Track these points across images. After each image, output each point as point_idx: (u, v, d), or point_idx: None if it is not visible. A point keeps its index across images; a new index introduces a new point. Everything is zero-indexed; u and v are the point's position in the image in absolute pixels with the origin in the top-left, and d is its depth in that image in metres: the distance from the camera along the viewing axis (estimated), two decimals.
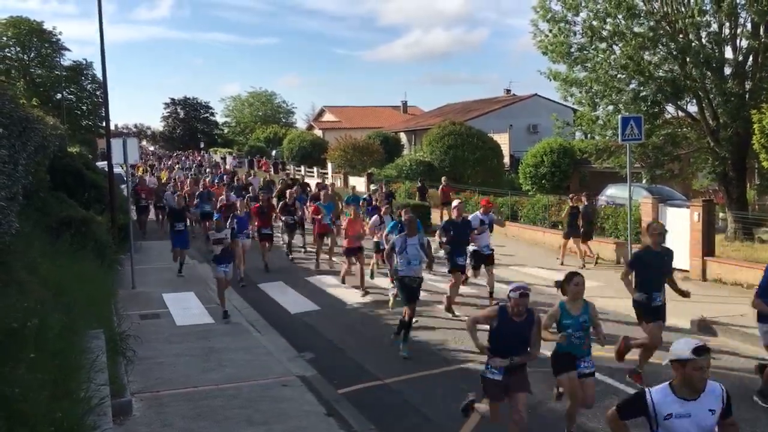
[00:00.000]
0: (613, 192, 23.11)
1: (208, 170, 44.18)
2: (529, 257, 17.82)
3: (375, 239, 15.29)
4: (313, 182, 32.71)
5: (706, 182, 23.86)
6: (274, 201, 20.47)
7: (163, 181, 31.10)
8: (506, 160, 39.37)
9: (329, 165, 41.43)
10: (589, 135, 22.80)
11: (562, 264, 16.45)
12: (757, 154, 16.57)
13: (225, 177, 31.93)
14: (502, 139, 39.54)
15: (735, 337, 10.51)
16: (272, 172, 49.21)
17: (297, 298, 13.86)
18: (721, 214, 19.37)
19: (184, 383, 8.58)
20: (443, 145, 35.33)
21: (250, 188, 23.16)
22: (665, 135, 19.48)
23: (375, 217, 15.66)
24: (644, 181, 21.66)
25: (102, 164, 26.57)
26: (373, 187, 25.36)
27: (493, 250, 12.82)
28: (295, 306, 13.33)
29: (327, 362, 9.77)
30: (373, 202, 19.26)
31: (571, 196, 18.33)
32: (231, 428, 7.21)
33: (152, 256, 19.21)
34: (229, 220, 14.21)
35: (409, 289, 10.14)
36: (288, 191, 19.49)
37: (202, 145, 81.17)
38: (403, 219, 11.96)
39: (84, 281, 10.33)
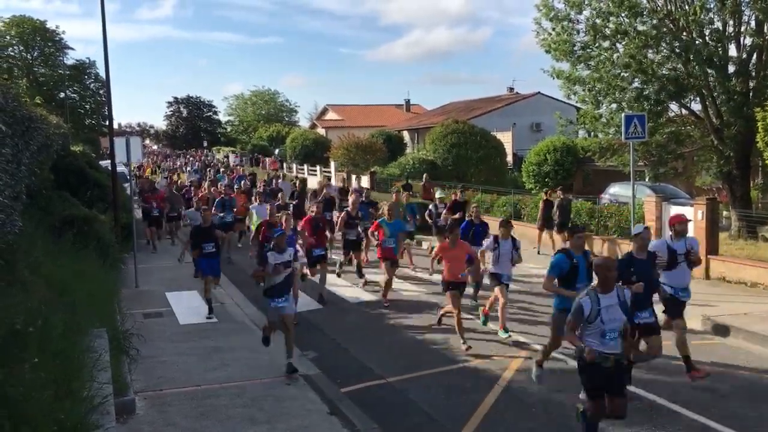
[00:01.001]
0: (617, 190, 23.07)
1: (221, 171, 39.01)
2: (533, 255, 17.79)
3: (491, 268, 11.08)
4: (313, 181, 32.71)
5: (709, 179, 23.80)
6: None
7: (177, 184, 28.48)
8: (509, 158, 39.34)
9: (332, 164, 41.42)
10: (592, 133, 22.79)
11: (539, 253, 17.80)
12: (761, 152, 16.53)
13: (244, 180, 28.16)
14: (505, 138, 39.50)
15: (738, 335, 10.48)
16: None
17: (300, 297, 13.84)
18: (724, 213, 19.33)
19: (187, 382, 8.59)
20: (446, 144, 35.30)
21: (280, 195, 18.70)
22: (669, 133, 19.45)
23: (489, 239, 11.31)
24: (647, 180, 21.62)
25: (105, 163, 26.61)
26: (439, 194, 18.65)
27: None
28: (298, 304, 13.33)
29: (330, 361, 9.76)
30: (470, 216, 14.24)
31: (545, 190, 20.80)
32: (234, 427, 7.22)
33: (155, 254, 19.25)
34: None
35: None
36: (350, 199, 16.41)
37: (205, 144, 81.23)
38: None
39: (87, 280, 10.35)
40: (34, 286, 8.06)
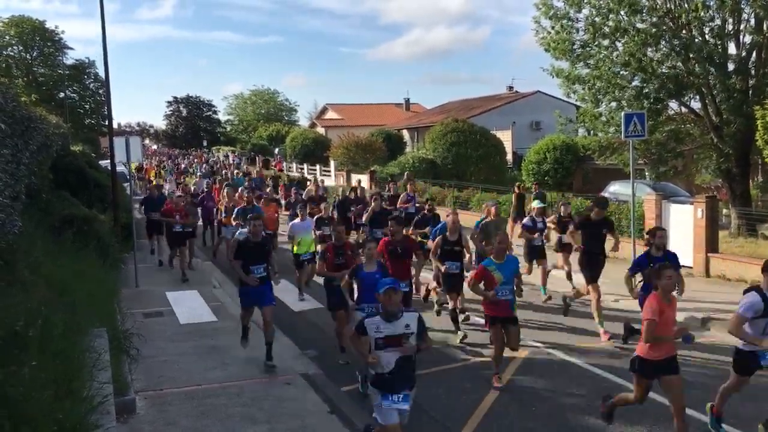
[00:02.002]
0: (616, 188, 23.09)
1: (237, 174, 34.12)
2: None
3: None
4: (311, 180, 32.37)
5: (709, 177, 23.80)
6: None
7: (191, 190, 23.59)
8: (509, 157, 39.33)
9: (332, 163, 41.42)
10: (591, 132, 22.78)
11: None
12: (761, 150, 16.53)
13: (261, 184, 25.11)
14: (505, 136, 39.49)
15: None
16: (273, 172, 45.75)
17: (297, 292, 13.87)
18: (724, 211, 19.33)
19: (188, 381, 8.59)
20: (446, 143, 35.30)
21: (323, 207, 15.54)
22: (668, 131, 19.44)
23: None
24: (648, 178, 21.62)
25: (105, 163, 26.48)
26: (537, 203, 14.11)
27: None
28: (298, 303, 13.35)
29: (330, 360, 9.77)
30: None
31: (517, 184, 21.62)
32: (234, 427, 7.22)
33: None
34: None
35: None
36: (450, 219, 11.26)
37: (204, 144, 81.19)
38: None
39: (87, 280, 10.35)
40: (34, 286, 8.05)
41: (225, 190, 18.90)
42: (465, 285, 10.35)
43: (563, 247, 13.32)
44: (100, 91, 54.34)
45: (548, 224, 13.60)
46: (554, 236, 13.94)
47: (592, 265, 10.73)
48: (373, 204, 15.48)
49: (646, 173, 21.63)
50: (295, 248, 13.35)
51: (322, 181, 27.54)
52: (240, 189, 20.00)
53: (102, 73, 22.81)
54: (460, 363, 9.53)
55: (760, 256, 14.25)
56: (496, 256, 8.55)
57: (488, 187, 25.67)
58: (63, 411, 4.82)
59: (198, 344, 10.33)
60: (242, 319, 9.80)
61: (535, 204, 13.89)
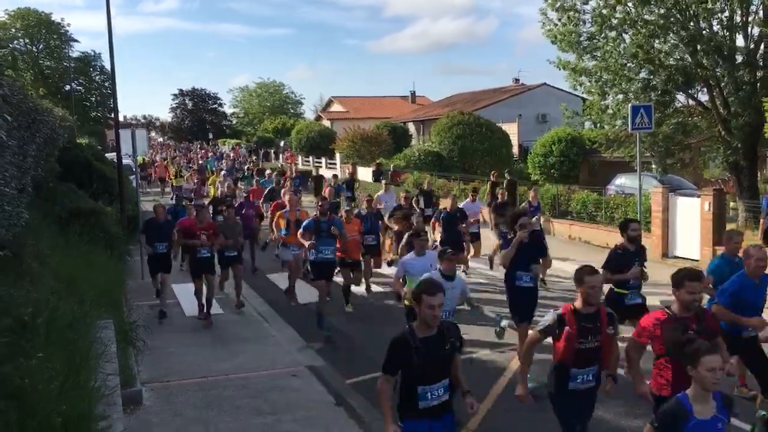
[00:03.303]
0: (623, 181, 23.02)
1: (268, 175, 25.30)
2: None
3: None
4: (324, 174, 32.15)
5: (717, 171, 23.72)
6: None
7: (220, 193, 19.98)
8: (515, 149, 39.22)
9: (337, 155, 41.39)
10: (598, 124, 22.71)
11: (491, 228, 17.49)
12: None
13: (300, 182, 21.51)
14: (511, 129, 39.37)
15: None
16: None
17: (305, 288, 13.85)
18: (732, 204, 19.25)
19: (194, 373, 8.62)
20: (452, 135, 35.20)
21: (414, 219, 12.86)
22: (676, 124, 19.36)
23: None
24: (654, 171, 21.55)
25: (111, 155, 26.50)
26: None
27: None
28: (303, 296, 13.35)
29: (335, 352, 9.78)
30: None
31: (492, 172, 22.44)
32: (240, 418, 7.24)
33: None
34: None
35: None
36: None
37: (210, 136, 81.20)
38: None
39: (94, 272, 10.37)
40: (41, 278, 8.08)
41: (287, 196, 13.87)
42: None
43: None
44: (106, 84, 54.40)
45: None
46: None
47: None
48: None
49: (653, 166, 21.55)
50: (407, 301, 8.18)
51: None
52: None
53: (108, 66, 22.74)
54: (466, 355, 9.51)
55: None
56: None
57: (511, 180, 25.57)
58: (70, 402, 4.84)
59: (204, 336, 10.37)
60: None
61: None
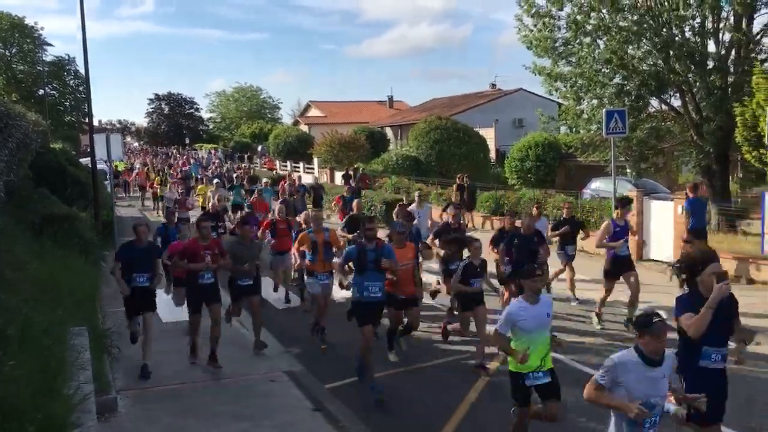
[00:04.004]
0: (598, 185, 23.27)
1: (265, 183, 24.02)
2: None
3: None
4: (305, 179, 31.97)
5: (690, 176, 24.05)
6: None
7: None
8: (492, 154, 39.46)
9: (315, 160, 41.33)
10: (574, 129, 22.96)
11: None
12: (740, 146, 16.72)
13: (303, 192, 20.41)
14: (488, 134, 39.60)
15: None
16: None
17: (283, 294, 13.81)
18: None
19: (171, 380, 8.55)
20: (429, 140, 35.33)
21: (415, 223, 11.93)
22: (649, 129, 19.61)
23: None
24: (629, 175, 21.80)
25: (86, 160, 26.08)
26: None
27: None
28: (281, 301, 13.30)
29: (314, 357, 9.76)
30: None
31: (458, 176, 23.29)
32: (218, 424, 7.20)
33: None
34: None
35: None
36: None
37: (187, 141, 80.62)
38: None
39: (68, 278, 10.26)
40: (16, 284, 7.97)
41: (309, 213, 12.67)
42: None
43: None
44: (81, 88, 53.73)
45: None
46: None
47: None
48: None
49: (628, 170, 21.81)
50: (513, 363, 6.16)
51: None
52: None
53: (82, 70, 22.27)
54: (445, 359, 9.55)
55: (739, 251, 14.43)
56: None
57: (472, 184, 25.69)
58: (44, 409, 4.78)
59: (180, 342, 10.26)
60: None
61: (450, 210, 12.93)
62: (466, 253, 9.79)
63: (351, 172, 30.14)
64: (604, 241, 10.38)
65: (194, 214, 18.55)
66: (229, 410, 7.56)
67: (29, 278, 8.85)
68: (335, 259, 10.14)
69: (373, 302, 8.36)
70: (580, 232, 12.46)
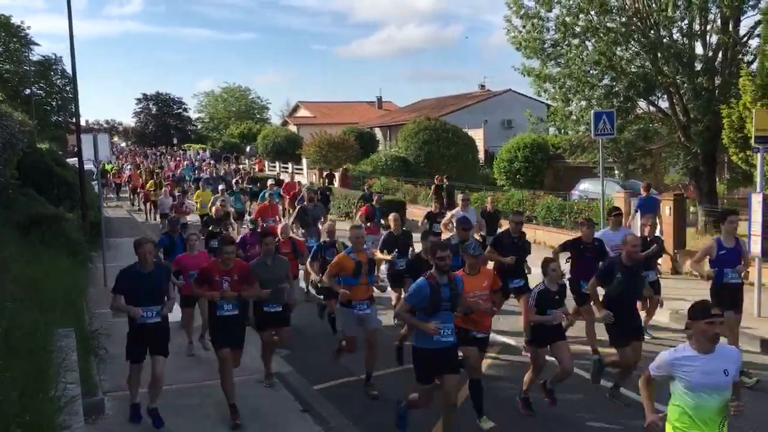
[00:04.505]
0: (587, 186, 23.40)
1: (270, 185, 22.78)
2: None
3: None
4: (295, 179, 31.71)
5: (678, 177, 24.21)
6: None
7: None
8: (481, 155, 39.58)
9: (304, 161, 41.28)
10: (562, 130, 23.07)
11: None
12: (727, 148, 16.82)
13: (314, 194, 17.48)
14: (477, 135, 39.73)
15: None
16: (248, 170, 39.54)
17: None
18: (691, 208, 19.66)
19: None
20: (418, 141, 35.42)
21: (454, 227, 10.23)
22: (637, 130, 19.73)
23: None
24: (617, 176, 21.92)
25: (73, 160, 25.76)
26: None
27: None
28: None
29: (302, 359, 9.73)
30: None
31: (437, 177, 23.52)
32: (206, 426, 7.17)
33: (124, 253, 18.95)
34: None
35: None
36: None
37: (174, 141, 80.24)
38: None
39: (56, 279, 10.17)
40: (2, 285, 7.90)
41: (332, 224, 11.32)
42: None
43: None
44: (68, 88, 53.36)
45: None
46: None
47: None
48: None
49: (616, 171, 21.92)
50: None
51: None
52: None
53: (69, 70, 22.02)
54: None
55: None
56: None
57: (461, 185, 25.75)
58: (30, 411, 4.73)
59: (170, 342, 10.20)
60: None
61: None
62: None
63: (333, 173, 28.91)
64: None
65: (191, 220, 18.57)
66: (217, 412, 7.52)
67: (17, 279, 8.77)
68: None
69: (445, 348, 6.55)
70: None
